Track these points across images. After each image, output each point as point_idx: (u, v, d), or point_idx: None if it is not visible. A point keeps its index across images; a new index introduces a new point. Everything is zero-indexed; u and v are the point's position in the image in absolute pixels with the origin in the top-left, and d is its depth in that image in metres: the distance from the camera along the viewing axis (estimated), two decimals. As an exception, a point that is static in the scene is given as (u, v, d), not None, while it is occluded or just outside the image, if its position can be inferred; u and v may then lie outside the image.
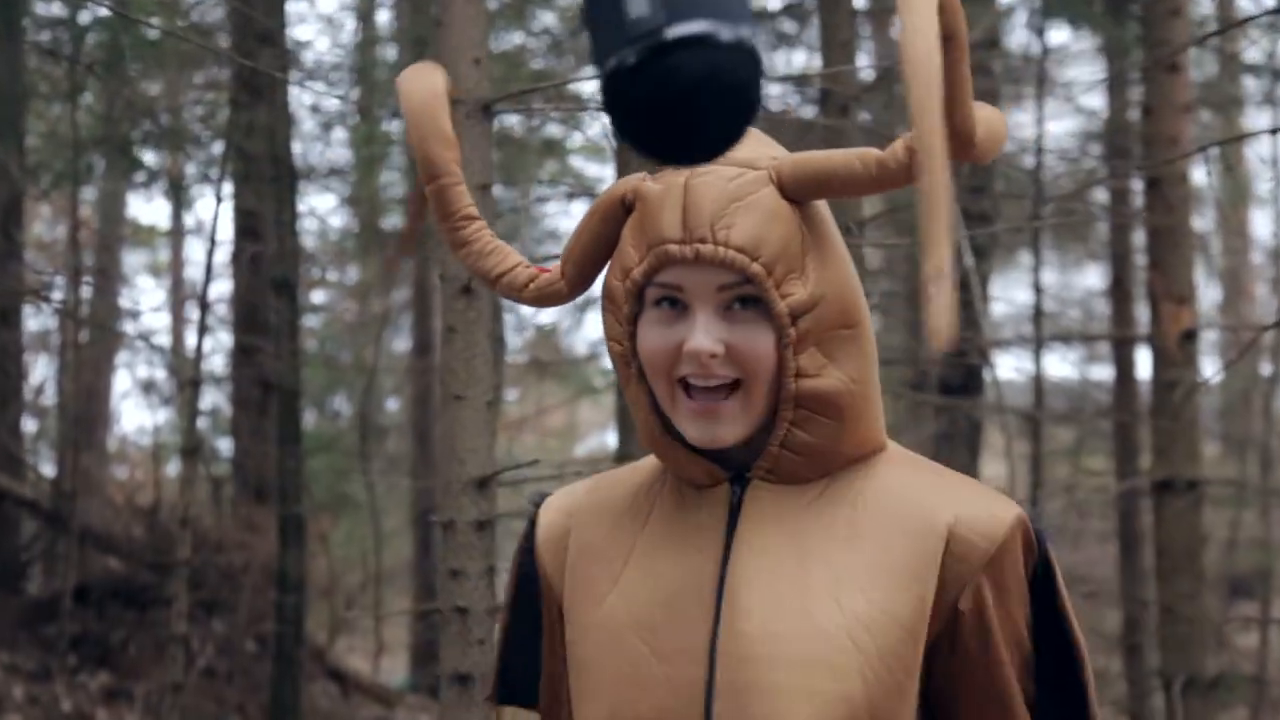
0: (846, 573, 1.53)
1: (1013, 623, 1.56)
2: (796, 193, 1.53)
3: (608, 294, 1.59)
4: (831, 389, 1.53)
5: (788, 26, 8.86)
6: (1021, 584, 1.56)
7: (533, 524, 1.75)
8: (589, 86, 8.47)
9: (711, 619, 1.53)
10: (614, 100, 1.11)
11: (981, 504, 1.57)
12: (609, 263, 1.61)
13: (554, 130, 9.63)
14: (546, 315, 12.33)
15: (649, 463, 1.70)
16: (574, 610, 1.64)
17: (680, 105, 1.11)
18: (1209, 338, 13.18)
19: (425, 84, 1.66)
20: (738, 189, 1.51)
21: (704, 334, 1.50)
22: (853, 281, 1.56)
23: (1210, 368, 11.79)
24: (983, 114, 1.50)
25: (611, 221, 1.60)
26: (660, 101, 1.11)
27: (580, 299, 1.69)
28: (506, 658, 1.81)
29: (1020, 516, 1.57)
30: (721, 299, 1.51)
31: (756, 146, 1.57)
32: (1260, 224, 15.69)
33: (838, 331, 1.53)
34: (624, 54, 1.08)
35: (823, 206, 1.59)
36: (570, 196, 9.90)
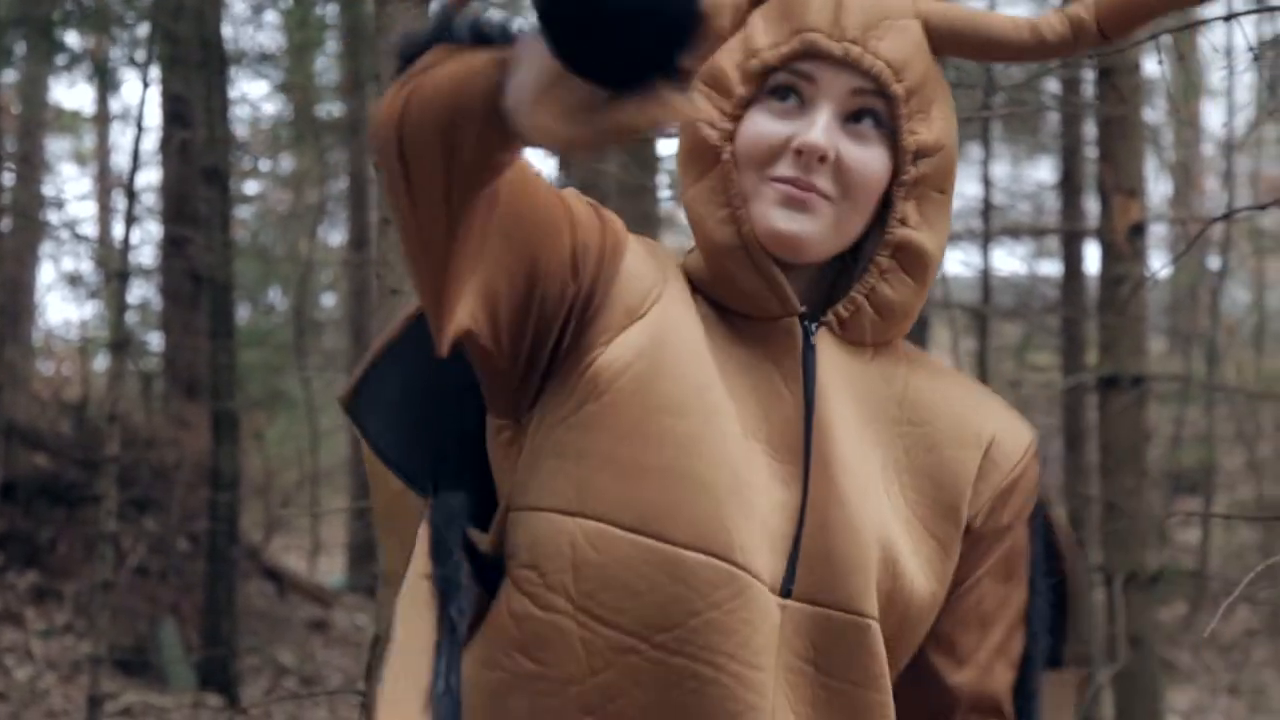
0: (893, 462, 1.47)
1: (998, 551, 1.52)
2: (940, 39, 1.46)
3: (713, 76, 1.45)
4: (927, 246, 1.45)
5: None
6: (1018, 515, 1.53)
7: None
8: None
9: (800, 474, 1.41)
10: (545, 12, 1.06)
11: (1010, 426, 1.53)
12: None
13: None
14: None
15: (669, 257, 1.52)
16: (623, 344, 1.40)
17: (610, 28, 1.03)
18: (1158, 231, 13.26)
19: None
20: (890, 8, 1.43)
21: (823, 131, 1.39)
22: (956, 148, 1.48)
23: (1158, 262, 11.87)
24: None
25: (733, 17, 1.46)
26: (589, 22, 1.03)
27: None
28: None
29: (1035, 445, 1.53)
30: (850, 105, 1.42)
31: None
32: (1212, 115, 15.72)
33: (936, 194, 1.46)
34: None
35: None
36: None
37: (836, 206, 1.41)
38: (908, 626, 1.45)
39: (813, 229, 1.41)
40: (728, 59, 1.44)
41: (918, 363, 1.54)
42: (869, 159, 1.41)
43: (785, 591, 1.38)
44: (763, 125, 1.42)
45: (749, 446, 1.40)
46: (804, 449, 1.42)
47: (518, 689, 1.38)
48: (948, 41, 1.46)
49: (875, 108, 1.41)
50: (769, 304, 1.45)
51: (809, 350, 1.45)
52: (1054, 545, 1.59)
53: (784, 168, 1.40)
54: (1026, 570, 1.55)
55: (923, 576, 1.44)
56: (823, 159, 1.39)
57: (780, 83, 1.42)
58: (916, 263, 1.45)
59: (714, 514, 1.36)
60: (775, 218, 1.40)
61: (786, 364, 1.44)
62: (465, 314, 1.33)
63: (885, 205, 1.45)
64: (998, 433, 1.50)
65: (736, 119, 1.44)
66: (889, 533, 1.42)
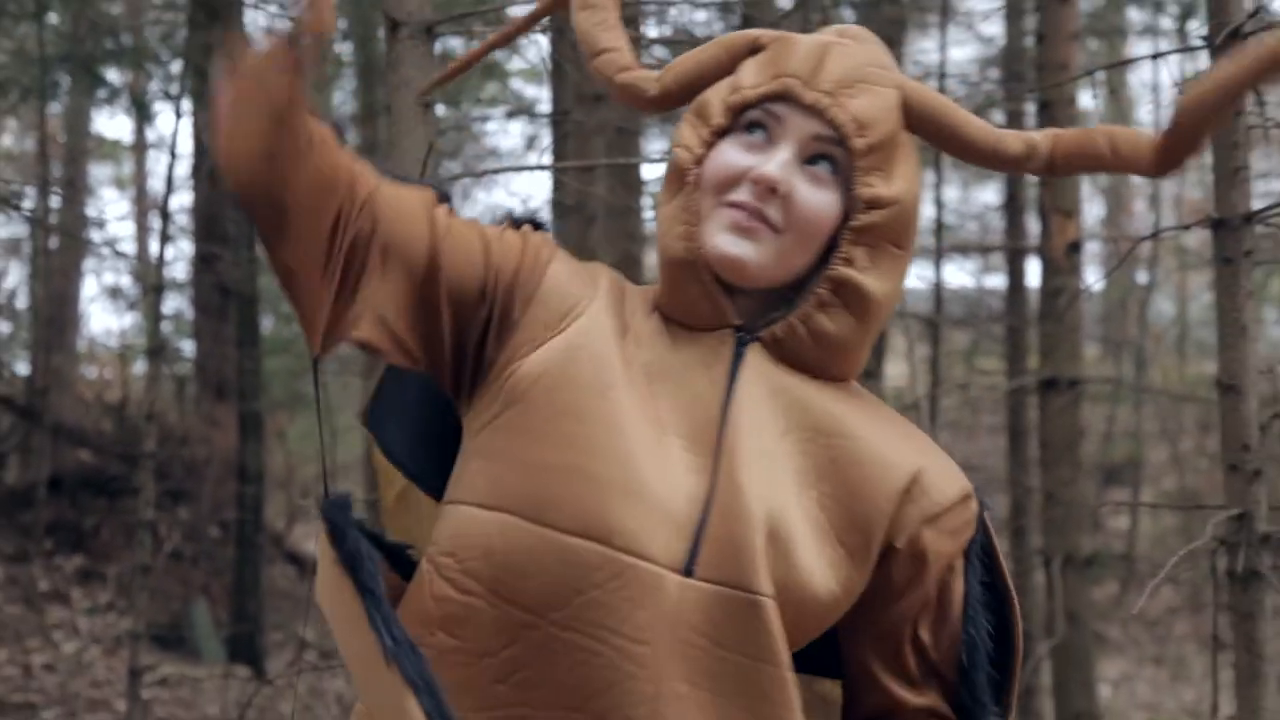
0: (812, 470, 1.43)
1: (930, 582, 1.48)
2: (914, 117, 1.46)
3: (701, 106, 1.47)
4: (869, 288, 1.43)
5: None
6: (954, 554, 1.49)
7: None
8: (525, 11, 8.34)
9: (711, 465, 1.40)
10: None
11: (946, 468, 1.50)
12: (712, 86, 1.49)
13: (494, 53, 9.52)
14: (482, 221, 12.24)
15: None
16: (540, 356, 1.43)
17: None
18: (1092, 249, 13.30)
19: None
20: (871, 74, 1.44)
21: (779, 165, 1.40)
22: (918, 212, 1.47)
23: (1092, 276, 11.90)
24: None
25: (734, 57, 1.48)
26: None
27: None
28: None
29: (972, 491, 1.50)
30: (810, 149, 1.42)
31: (888, 56, 1.49)
32: (1141, 146, 15.78)
33: (891, 247, 1.44)
34: None
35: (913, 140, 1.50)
36: (510, 115, 9.79)
37: (782, 238, 1.41)
38: (805, 615, 1.42)
39: (755, 255, 1.40)
40: (716, 94, 1.46)
41: (865, 399, 1.52)
42: (819, 200, 1.41)
43: (688, 571, 1.36)
44: (729, 154, 1.43)
45: (664, 442, 1.40)
46: (716, 444, 1.41)
47: (439, 663, 1.36)
48: (921, 122, 1.46)
49: (834, 155, 1.42)
50: (706, 314, 1.45)
51: (738, 359, 1.44)
52: (1004, 593, 1.55)
53: (740, 194, 1.41)
54: (962, 603, 1.51)
55: (822, 576, 1.41)
56: (774, 191, 1.39)
57: (752, 119, 1.44)
58: (857, 301, 1.43)
59: (598, 505, 1.36)
60: (723, 241, 1.41)
61: (716, 369, 1.44)
62: (365, 330, 1.41)
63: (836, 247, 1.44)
64: (929, 467, 1.47)
65: (710, 146, 1.45)
66: (786, 526, 1.40)
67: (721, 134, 1.45)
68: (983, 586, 1.53)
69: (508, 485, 1.39)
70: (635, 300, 1.50)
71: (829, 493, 1.43)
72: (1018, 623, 1.55)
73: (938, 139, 1.47)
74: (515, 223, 1.55)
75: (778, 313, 1.46)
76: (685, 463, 1.40)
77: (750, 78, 1.45)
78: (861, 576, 1.45)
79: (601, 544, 1.35)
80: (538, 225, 1.55)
